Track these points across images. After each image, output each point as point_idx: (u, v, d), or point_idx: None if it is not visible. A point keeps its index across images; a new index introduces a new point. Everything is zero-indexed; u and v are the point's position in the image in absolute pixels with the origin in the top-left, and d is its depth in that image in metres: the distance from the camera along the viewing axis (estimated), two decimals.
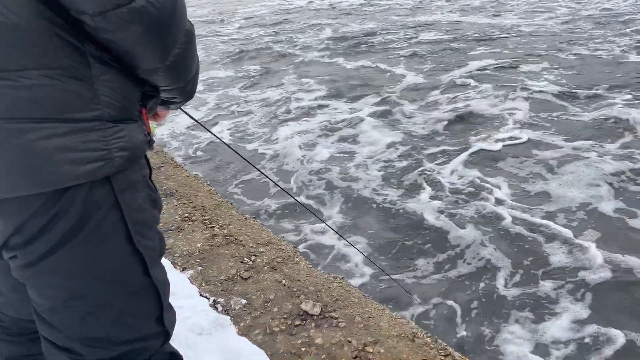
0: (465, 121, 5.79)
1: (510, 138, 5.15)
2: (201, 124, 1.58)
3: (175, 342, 1.89)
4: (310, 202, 4.35)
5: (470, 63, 7.88)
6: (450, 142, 5.26)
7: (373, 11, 15.03)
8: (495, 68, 7.55)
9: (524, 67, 7.38)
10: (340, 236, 3.09)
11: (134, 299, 0.92)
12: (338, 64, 8.99)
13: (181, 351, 1.17)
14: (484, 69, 7.55)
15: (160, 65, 0.83)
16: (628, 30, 8.96)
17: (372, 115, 6.19)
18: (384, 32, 11.50)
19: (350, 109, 6.54)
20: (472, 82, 7.00)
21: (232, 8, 18.87)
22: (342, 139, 5.66)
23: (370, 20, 13.42)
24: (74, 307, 0.88)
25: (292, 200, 4.12)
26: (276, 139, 5.84)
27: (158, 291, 0.96)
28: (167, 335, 1.03)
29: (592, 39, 8.61)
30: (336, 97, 7.08)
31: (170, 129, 6.51)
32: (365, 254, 3.39)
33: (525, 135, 5.14)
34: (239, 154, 1.89)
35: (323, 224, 3.39)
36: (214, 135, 1.88)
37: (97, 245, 0.84)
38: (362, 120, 6.07)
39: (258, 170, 2.14)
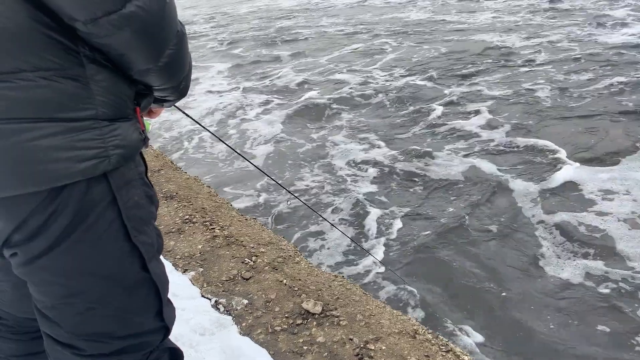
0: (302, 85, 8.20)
1: (306, 99, 7.46)
2: (197, 121, 1.60)
3: (177, 342, 1.90)
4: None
5: (343, 49, 10.39)
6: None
7: (351, 9, 15.67)
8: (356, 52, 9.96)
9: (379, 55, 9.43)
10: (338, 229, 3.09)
11: (132, 294, 0.94)
12: (247, 54, 11.45)
13: (184, 352, 1.18)
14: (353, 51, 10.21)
15: (153, 66, 0.85)
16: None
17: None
18: (325, 26, 13.17)
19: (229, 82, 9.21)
20: (337, 64, 9.33)
21: (220, 10, 20.08)
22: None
23: (333, 17, 14.48)
24: (74, 303, 0.89)
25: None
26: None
27: (157, 286, 0.97)
28: (167, 330, 1.04)
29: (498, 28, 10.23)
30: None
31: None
32: (368, 250, 3.39)
33: (323, 100, 7.25)
34: (232, 149, 1.90)
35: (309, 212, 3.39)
36: (210, 132, 1.89)
37: (95, 242, 0.85)
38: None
39: (253, 164, 2.15)
